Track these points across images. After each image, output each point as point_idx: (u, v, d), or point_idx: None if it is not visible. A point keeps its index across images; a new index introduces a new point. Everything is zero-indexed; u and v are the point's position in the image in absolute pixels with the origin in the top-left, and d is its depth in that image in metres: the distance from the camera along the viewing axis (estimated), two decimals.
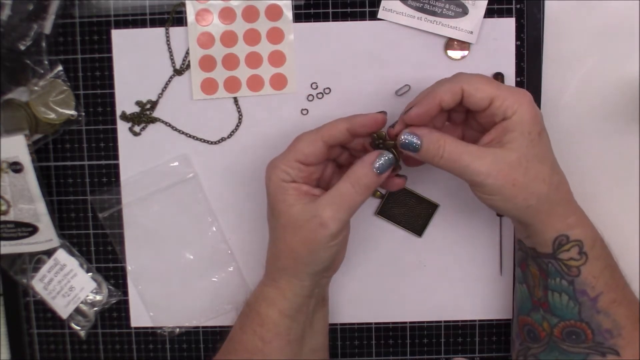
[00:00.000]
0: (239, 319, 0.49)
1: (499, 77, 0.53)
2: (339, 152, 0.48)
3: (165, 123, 0.55)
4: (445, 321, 0.56)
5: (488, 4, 0.52)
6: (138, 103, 0.54)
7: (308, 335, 0.49)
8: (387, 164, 0.43)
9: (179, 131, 0.55)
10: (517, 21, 0.52)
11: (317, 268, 0.45)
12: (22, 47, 0.50)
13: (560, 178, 0.44)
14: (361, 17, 0.53)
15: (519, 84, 0.53)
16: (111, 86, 0.54)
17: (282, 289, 0.46)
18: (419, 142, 0.42)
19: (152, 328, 0.57)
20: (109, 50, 0.54)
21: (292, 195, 0.44)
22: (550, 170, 0.43)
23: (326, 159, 0.46)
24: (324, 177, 0.48)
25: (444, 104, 0.43)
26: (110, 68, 0.54)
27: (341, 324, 0.56)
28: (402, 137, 0.43)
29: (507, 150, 0.42)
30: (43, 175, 0.54)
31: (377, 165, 0.43)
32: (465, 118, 0.47)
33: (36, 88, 0.52)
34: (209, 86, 0.54)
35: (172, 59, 0.54)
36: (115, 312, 0.57)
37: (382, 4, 0.52)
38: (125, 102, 0.54)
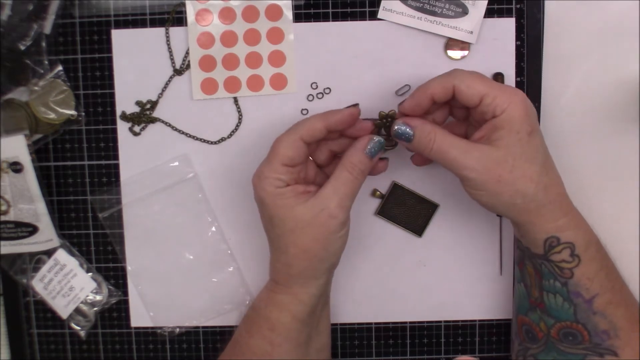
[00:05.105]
0: (244, 323, 0.49)
1: (499, 77, 0.52)
2: (314, 148, 0.48)
3: (165, 123, 0.54)
4: (445, 321, 0.56)
5: (488, 4, 0.52)
6: (138, 103, 0.54)
7: (314, 336, 0.49)
8: (377, 148, 0.45)
9: (179, 131, 0.55)
10: (517, 21, 0.52)
11: (331, 261, 0.46)
12: (22, 47, 0.50)
13: (550, 180, 0.44)
14: (361, 17, 0.53)
15: (519, 84, 0.53)
16: (111, 86, 0.54)
17: (296, 293, 0.46)
18: (411, 132, 0.44)
19: (152, 328, 0.57)
20: (109, 50, 0.54)
21: (291, 198, 0.44)
22: (540, 170, 0.43)
23: (307, 157, 0.47)
24: (307, 174, 0.48)
25: (435, 98, 0.44)
26: (110, 68, 0.54)
27: (341, 324, 0.56)
28: (396, 127, 0.44)
29: (494, 147, 0.42)
30: (43, 175, 0.54)
31: (368, 149, 0.45)
32: (467, 114, 0.47)
33: (36, 88, 0.52)
34: (209, 86, 0.54)
35: (172, 59, 0.54)
36: (115, 312, 0.57)
37: (382, 4, 0.52)
38: (125, 102, 0.54)
